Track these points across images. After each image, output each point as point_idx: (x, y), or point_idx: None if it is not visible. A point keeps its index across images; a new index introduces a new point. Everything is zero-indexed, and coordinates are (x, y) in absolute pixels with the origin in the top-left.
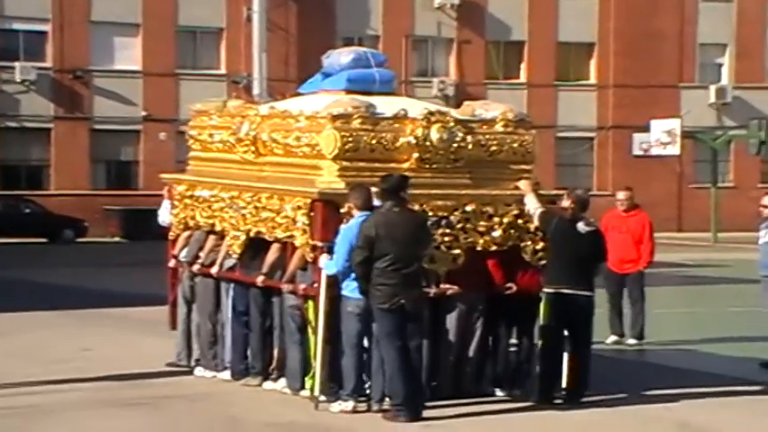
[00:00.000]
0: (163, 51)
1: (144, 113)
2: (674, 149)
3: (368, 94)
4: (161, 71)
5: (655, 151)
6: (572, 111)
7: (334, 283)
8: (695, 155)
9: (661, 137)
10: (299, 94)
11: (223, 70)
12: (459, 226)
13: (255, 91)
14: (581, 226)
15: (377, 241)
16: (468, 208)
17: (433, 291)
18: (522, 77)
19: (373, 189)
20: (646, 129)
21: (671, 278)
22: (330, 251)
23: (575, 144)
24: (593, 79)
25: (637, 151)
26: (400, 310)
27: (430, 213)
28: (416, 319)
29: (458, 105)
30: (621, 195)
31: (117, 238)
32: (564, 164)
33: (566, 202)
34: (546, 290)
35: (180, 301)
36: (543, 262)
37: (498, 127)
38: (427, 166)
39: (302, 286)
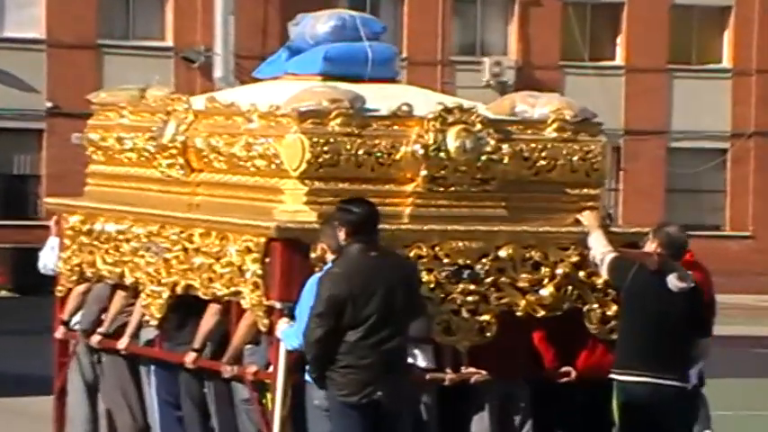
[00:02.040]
0: (78, 13)
1: (48, 105)
2: None
3: (355, 81)
4: (75, 41)
5: None
6: (693, 109)
7: (300, 363)
8: None
9: None
10: (253, 80)
11: (170, 42)
12: (490, 280)
13: (217, 73)
14: (672, 281)
15: (349, 302)
16: (503, 253)
17: (448, 376)
18: (619, 59)
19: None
20: None
21: None
22: (293, 315)
23: (697, 159)
24: (726, 62)
25: None
26: (374, 409)
27: (445, 260)
28: (397, 425)
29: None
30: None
31: (2, 292)
32: (679, 189)
33: (650, 245)
34: (615, 376)
35: (75, 387)
36: (616, 335)
37: (550, 131)
38: (441, 189)
39: (252, 369)
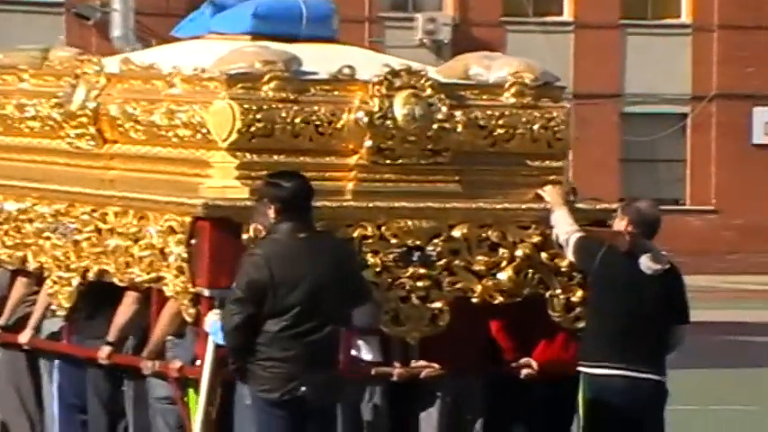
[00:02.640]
0: None
1: None
2: None
3: (289, 41)
4: None
5: None
6: (649, 69)
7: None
8: None
9: None
10: (173, 39)
11: None
12: (442, 263)
13: (115, 32)
14: (645, 262)
15: (270, 289)
16: (457, 233)
17: (396, 371)
18: (566, 14)
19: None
20: None
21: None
22: (223, 305)
23: (654, 125)
24: (685, 17)
25: (759, 138)
26: (297, 406)
27: (393, 241)
28: (326, 423)
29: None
30: None
31: None
32: (635, 159)
33: (620, 223)
34: (584, 369)
35: None
36: (582, 324)
37: (508, 96)
38: (388, 161)
39: (177, 364)
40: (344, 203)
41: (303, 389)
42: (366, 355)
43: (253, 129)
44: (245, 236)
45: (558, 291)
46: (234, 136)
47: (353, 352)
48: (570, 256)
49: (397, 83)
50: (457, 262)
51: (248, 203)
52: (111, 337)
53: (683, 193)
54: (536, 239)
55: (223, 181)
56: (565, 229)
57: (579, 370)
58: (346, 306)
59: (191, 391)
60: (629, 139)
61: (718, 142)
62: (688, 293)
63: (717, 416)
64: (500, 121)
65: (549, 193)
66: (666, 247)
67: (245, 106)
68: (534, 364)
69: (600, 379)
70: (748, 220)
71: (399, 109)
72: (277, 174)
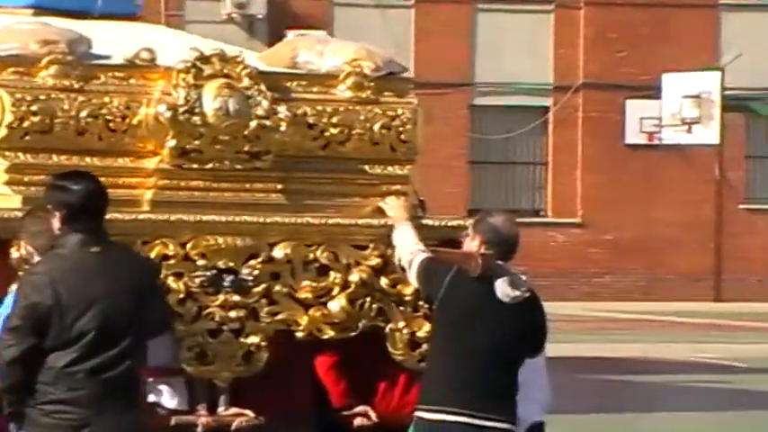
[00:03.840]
0: None
1: None
2: (709, 134)
3: (80, 17)
4: None
5: (668, 137)
6: (504, 53)
7: None
8: (752, 146)
9: (682, 108)
10: None
11: None
12: (261, 289)
13: None
14: (502, 288)
15: (55, 314)
16: (279, 253)
17: (202, 419)
18: None
19: None
20: (651, 92)
21: (698, 393)
22: None
23: (509, 121)
24: None
25: (633, 137)
26: None
27: (200, 262)
28: None
29: (271, 44)
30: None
31: None
32: (486, 161)
33: (471, 243)
34: (418, 414)
35: None
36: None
37: (343, 89)
38: (195, 165)
39: None
40: (141, 216)
41: None
42: (168, 400)
43: (26, 123)
44: (15, 253)
45: (401, 324)
46: (3, 132)
47: (152, 397)
48: (413, 281)
49: (207, 70)
50: (278, 288)
51: (19, 214)
52: None
53: (543, 203)
54: (375, 262)
55: None
56: (409, 249)
57: (416, 415)
58: (146, 336)
59: None
60: (479, 137)
61: (584, 141)
62: (549, 322)
63: None
64: (333, 119)
65: (392, 207)
66: (523, 268)
67: (18, 96)
68: (372, 413)
69: (435, 426)
70: (620, 235)
71: (210, 102)
72: (63, 175)
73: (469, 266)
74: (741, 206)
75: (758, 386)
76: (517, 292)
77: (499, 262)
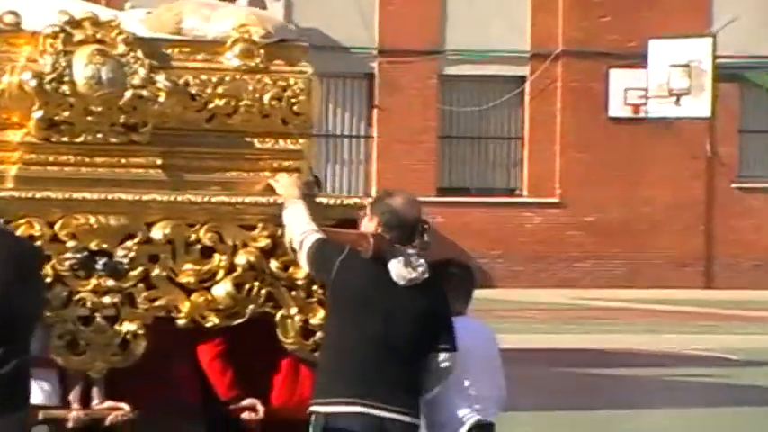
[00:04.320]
0: None
1: None
2: (700, 106)
3: None
4: None
5: (655, 109)
6: (477, 18)
7: None
8: (746, 119)
9: (670, 78)
10: None
11: None
12: (138, 273)
13: None
14: (397, 270)
15: None
16: (158, 233)
17: (72, 414)
18: None
19: None
20: (637, 60)
21: (688, 389)
22: None
23: (482, 92)
24: None
25: (617, 110)
26: None
27: (70, 243)
28: None
29: None
30: None
31: None
32: (457, 135)
33: (369, 224)
34: (314, 408)
35: None
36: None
37: (230, 57)
38: (65, 139)
39: None
40: (3, 193)
41: None
42: (33, 394)
43: None
44: None
45: (293, 310)
46: None
47: None
48: (304, 264)
49: (78, 35)
50: (157, 272)
51: None
52: None
53: (518, 181)
54: (263, 243)
55: None
56: (300, 229)
57: (309, 410)
58: (33, 325)
59: None
60: (450, 109)
61: (564, 114)
62: (524, 311)
63: None
64: (219, 90)
65: (283, 184)
66: (498, 251)
67: None
68: (259, 406)
69: (333, 419)
70: (602, 216)
71: (80, 70)
72: None
73: (362, 248)
74: (734, 185)
75: (753, 380)
76: (414, 274)
77: (395, 245)
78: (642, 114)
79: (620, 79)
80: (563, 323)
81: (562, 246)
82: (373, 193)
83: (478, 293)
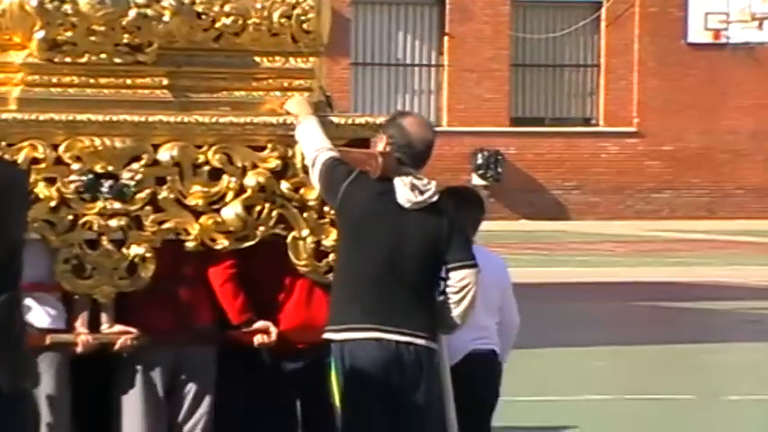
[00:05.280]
0: None
1: None
2: None
3: None
4: None
5: (737, 34)
6: None
7: None
8: None
9: (752, 1)
10: None
11: None
12: (145, 195)
13: None
14: (402, 191)
15: None
16: (165, 155)
17: (81, 338)
18: None
19: None
20: None
21: None
22: None
23: (556, 18)
24: None
25: (697, 35)
26: None
27: (75, 166)
28: (18, 411)
29: None
30: None
31: None
32: (531, 64)
33: (379, 144)
34: (329, 335)
35: None
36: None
37: None
38: (68, 59)
39: None
40: (5, 115)
41: None
42: (39, 319)
43: None
44: None
45: (305, 232)
46: None
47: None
48: (315, 182)
49: None
50: (164, 194)
51: None
52: None
53: (594, 111)
54: (274, 164)
55: None
56: (314, 145)
57: (325, 338)
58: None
59: None
60: (522, 36)
61: (642, 41)
62: (601, 243)
63: (637, 408)
64: (226, 8)
65: (293, 103)
66: (573, 182)
67: None
68: (273, 329)
69: (348, 346)
70: (681, 146)
71: None
72: None
73: (370, 167)
74: None
75: None
76: (420, 197)
77: (403, 165)
78: (723, 40)
79: (700, 3)
80: (641, 256)
81: (640, 176)
82: (444, 124)
83: (553, 225)
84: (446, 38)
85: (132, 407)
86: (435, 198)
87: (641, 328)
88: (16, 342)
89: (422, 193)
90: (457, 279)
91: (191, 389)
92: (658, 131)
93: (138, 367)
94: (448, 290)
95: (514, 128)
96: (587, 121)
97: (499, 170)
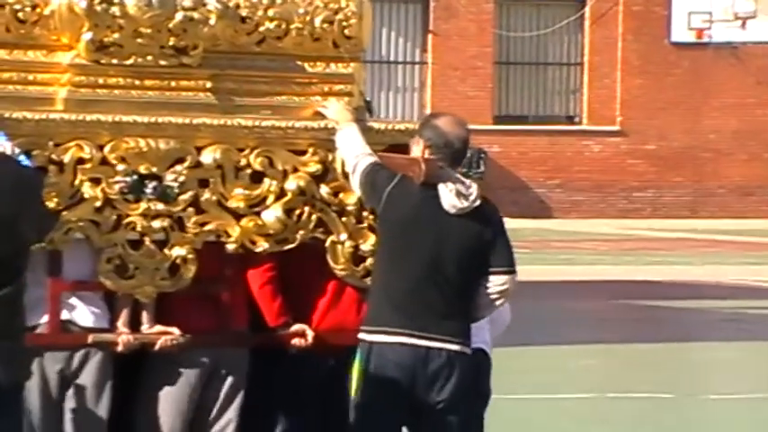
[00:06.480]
0: None
1: None
2: (766, 30)
3: None
4: None
5: (720, 33)
6: None
7: None
8: None
9: (735, 1)
10: None
11: None
12: (188, 197)
13: None
14: (447, 197)
15: None
16: (208, 157)
17: (122, 338)
18: None
19: None
20: None
21: (754, 322)
22: None
23: (540, 17)
24: None
25: (680, 34)
26: None
27: (120, 167)
28: (12, 404)
29: None
30: None
31: None
32: (515, 61)
33: (416, 148)
34: (361, 336)
35: None
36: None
37: None
38: (115, 61)
39: None
40: (54, 115)
41: None
42: (84, 317)
43: None
44: None
45: (343, 236)
46: None
47: (65, 314)
48: (356, 188)
49: None
50: (207, 196)
51: None
52: None
53: (578, 109)
54: (314, 168)
55: None
56: (354, 152)
57: (358, 336)
58: (18, 245)
59: None
60: (506, 34)
61: (625, 39)
62: (583, 242)
63: (617, 406)
64: (269, 12)
65: (334, 109)
66: (556, 181)
67: None
68: (309, 332)
69: (378, 346)
70: (664, 144)
71: None
72: None
73: (413, 173)
74: None
75: None
76: (465, 203)
77: (446, 169)
78: (706, 39)
79: (684, 3)
80: (624, 254)
81: (623, 175)
82: None
83: (536, 224)
84: (430, 35)
85: (166, 406)
86: (479, 202)
87: (622, 326)
88: (17, 336)
89: (466, 198)
90: (498, 283)
91: (224, 390)
92: (641, 130)
93: (176, 367)
94: (486, 290)
95: (498, 126)
96: (571, 120)
97: (482, 168)
